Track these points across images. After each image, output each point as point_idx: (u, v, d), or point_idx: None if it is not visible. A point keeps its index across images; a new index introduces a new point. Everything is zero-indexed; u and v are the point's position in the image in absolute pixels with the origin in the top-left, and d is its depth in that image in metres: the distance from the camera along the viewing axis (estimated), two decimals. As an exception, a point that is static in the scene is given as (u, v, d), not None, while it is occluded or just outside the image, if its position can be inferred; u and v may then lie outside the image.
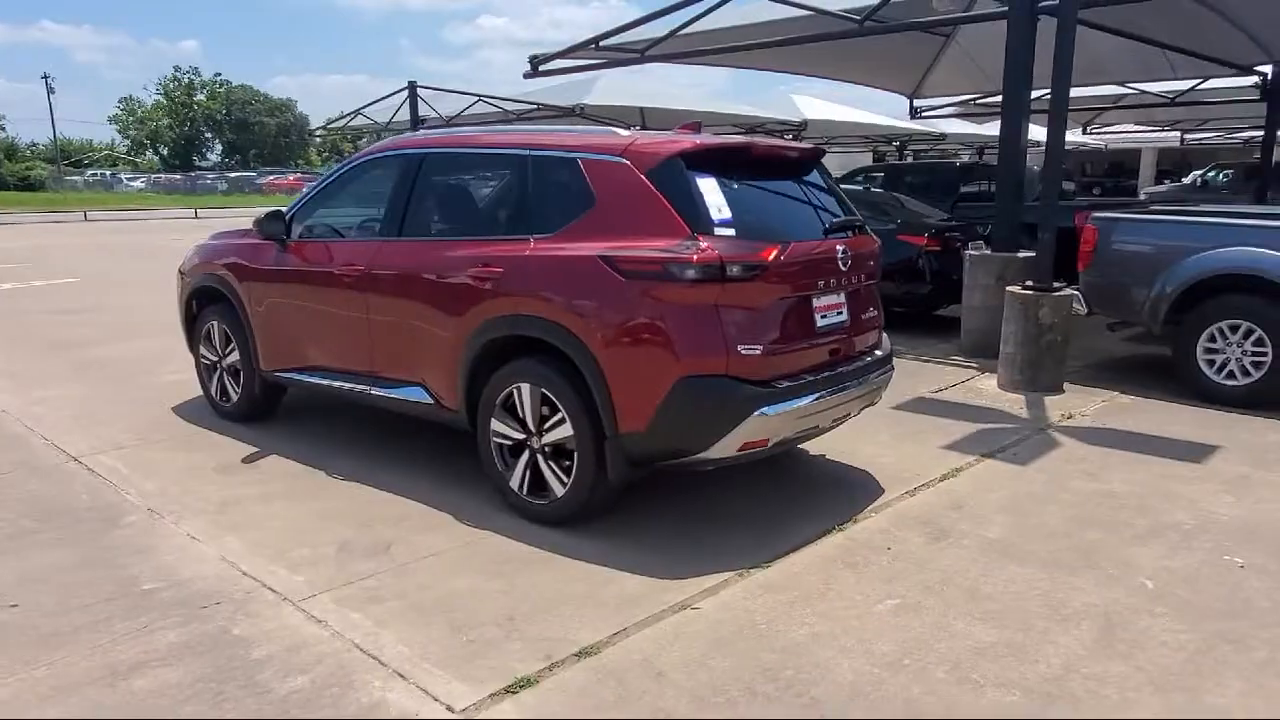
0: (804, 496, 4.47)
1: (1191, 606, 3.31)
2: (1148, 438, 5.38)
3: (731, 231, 3.63)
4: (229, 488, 4.57)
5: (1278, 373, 5.99)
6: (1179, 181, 26.80)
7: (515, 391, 4.01)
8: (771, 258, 3.65)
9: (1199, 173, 25.54)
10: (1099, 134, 27.62)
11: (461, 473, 4.68)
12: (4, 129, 68.34)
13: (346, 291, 4.71)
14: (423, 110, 22.14)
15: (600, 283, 3.67)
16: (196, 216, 31.45)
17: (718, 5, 9.14)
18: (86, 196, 44.63)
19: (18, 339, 8.59)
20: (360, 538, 3.92)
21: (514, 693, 2.77)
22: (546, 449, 3.97)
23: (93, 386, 6.63)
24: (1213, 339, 6.25)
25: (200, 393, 6.16)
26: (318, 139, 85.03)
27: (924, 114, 17.02)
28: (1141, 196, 21.83)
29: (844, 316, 4.10)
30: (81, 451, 5.07)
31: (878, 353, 4.40)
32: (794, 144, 4.30)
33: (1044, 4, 7.29)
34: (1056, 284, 6.49)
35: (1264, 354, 6.04)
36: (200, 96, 76.19)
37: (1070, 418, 5.83)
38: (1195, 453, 5.08)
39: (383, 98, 23.02)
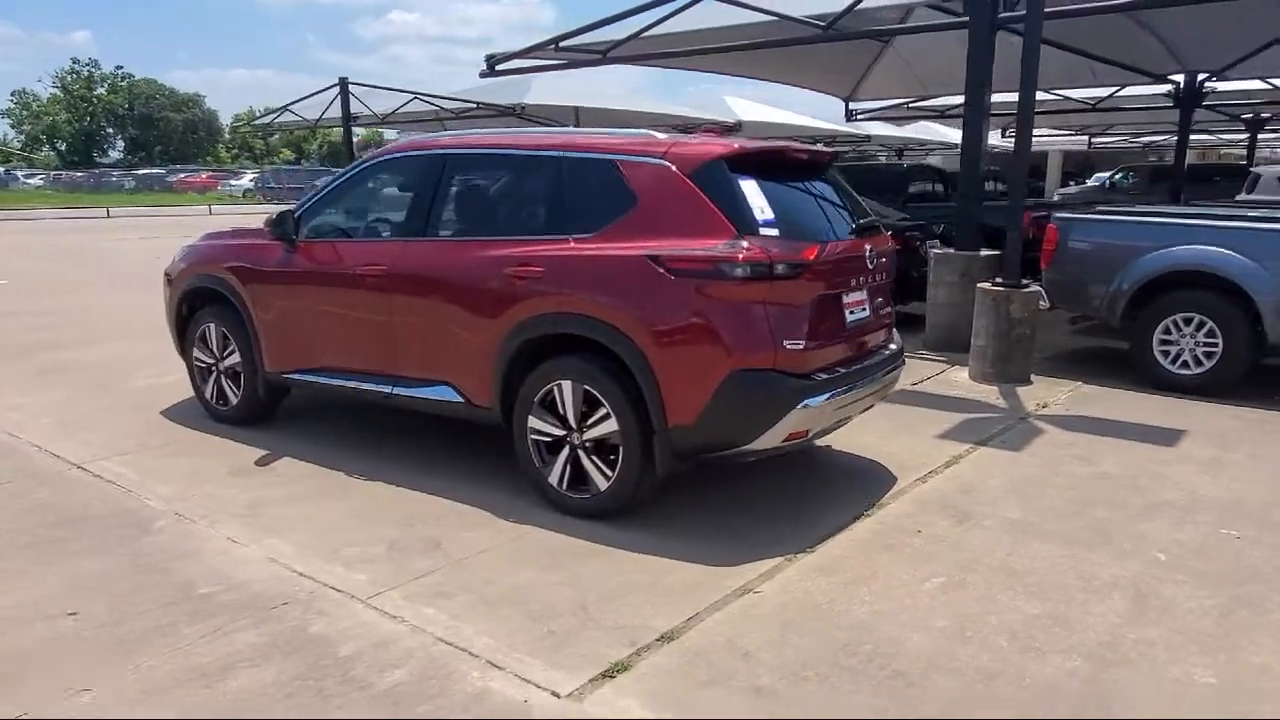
0: (824, 486, 4.67)
1: (1206, 575, 3.61)
2: (1121, 424, 5.75)
3: (775, 232, 3.79)
4: (250, 490, 4.52)
5: (1228, 362, 6.47)
6: (1084, 184, 28.21)
7: (556, 389, 4.08)
8: (814, 257, 3.83)
9: (1107, 175, 26.92)
10: (1011, 137, 28.84)
11: (480, 470, 4.73)
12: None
13: (367, 291, 4.70)
14: (355, 107, 21.78)
15: (649, 281, 3.79)
16: (109, 216, 30.12)
17: (682, 9, 9.31)
18: (-21, 195, 42.24)
19: (-36, 344, 8.21)
20: (407, 536, 3.94)
21: (611, 677, 2.87)
22: (588, 444, 4.06)
23: (66, 393, 6.41)
24: (1167, 331, 6.70)
25: (185, 397, 6.07)
26: (227, 136, 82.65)
27: (858, 117, 17.63)
28: (1056, 198, 22.93)
29: (867, 313, 4.31)
30: (82, 459, 4.93)
31: (892, 347, 4.62)
32: (815, 148, 4.48)
33: (1004, 14, 7.70)
34: (1024, 280, 6.86)
35: (1215, 345, 6.51)
36: (101, 90, 72.82)
37: (1045, 407, 6.18)
38: (1167, 437, 5.47)
39: (311, 94, 22.57)
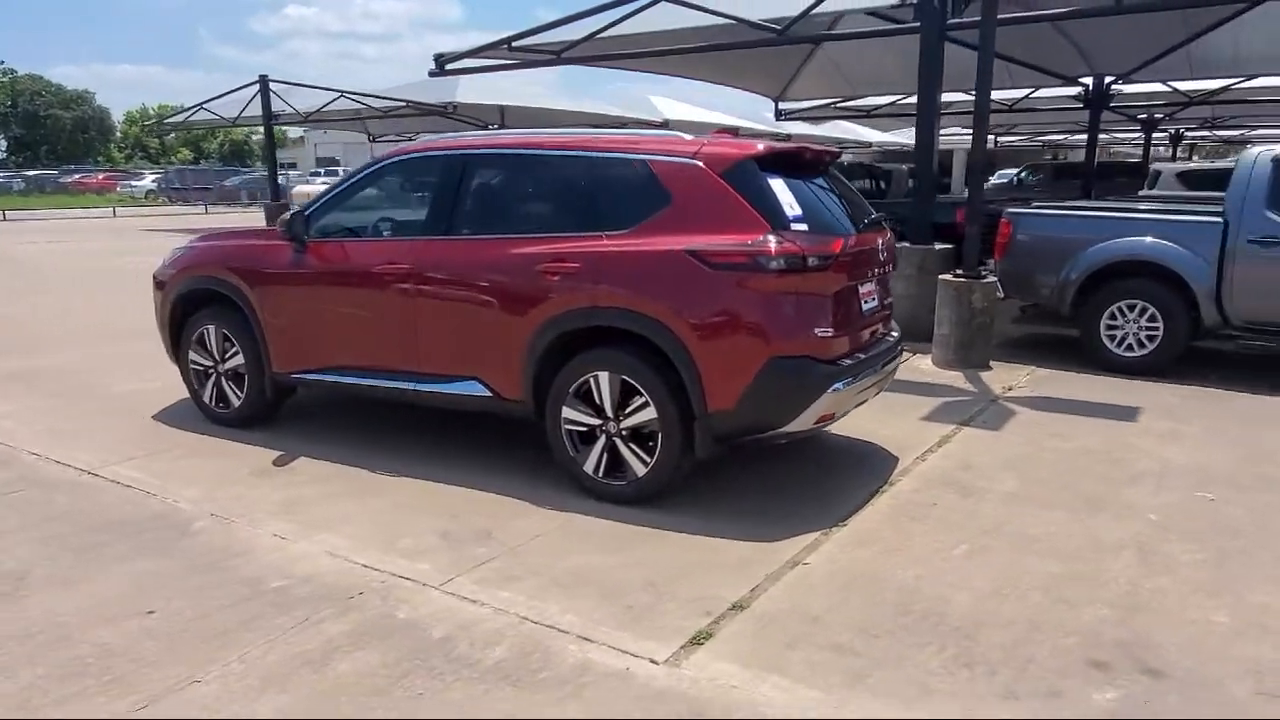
0: (836, 467, 4.95)
1: (1195, 532, 4.02)
2: (1083, 403, 6.22)
3: (805, 226, 4.04)
4: (279, 490, 4.54)
5: (1168, 344, 7.05)
6: (988, 182, 29.57)
7: (592, 380, 4.25)
8: (839, 250, 4.10)
9: (1014, 172, 28.28)
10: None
11: (499, 463, 4.87)
12: None
13: (387, 289, 4.76)
14: (277, 105, 21.30)
15: (689, 275, 3.99)
16: (5, 219, 28.58)
17: (637, 11, 9.52)
18: None
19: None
20: (457, 527, 4.06)
21: (699, 643, 3.07)
22: (624, 432, 4.24)
23: (47, 400, 6.24)
24: (1113, 317, 7.25)
25: (173, 401, 6.02)
26: (119, 135, 78.97)
27: (786, 117, 18.20)
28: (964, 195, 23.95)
29: (876, 302, 4.61)
30: (92, 465, 4.86)
31: (894, 335, 4.94)
32: (824, 148, 4.75)
33: (952, 20, 8.16)
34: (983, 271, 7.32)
35: (1156, 328, 7.09)
36: (-21, 87, 68.80)
37: (1010, 389, 6.62)
38: (1127, 414, 5.95)
39: (228, 91, 21.97)
